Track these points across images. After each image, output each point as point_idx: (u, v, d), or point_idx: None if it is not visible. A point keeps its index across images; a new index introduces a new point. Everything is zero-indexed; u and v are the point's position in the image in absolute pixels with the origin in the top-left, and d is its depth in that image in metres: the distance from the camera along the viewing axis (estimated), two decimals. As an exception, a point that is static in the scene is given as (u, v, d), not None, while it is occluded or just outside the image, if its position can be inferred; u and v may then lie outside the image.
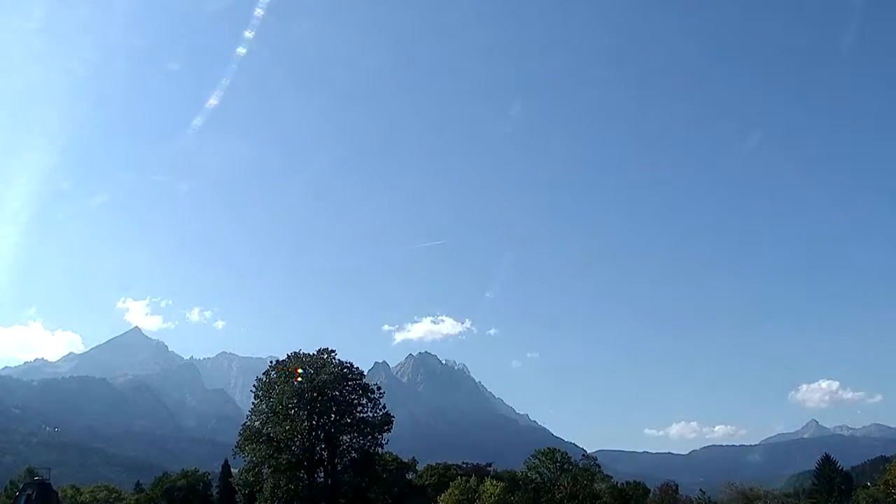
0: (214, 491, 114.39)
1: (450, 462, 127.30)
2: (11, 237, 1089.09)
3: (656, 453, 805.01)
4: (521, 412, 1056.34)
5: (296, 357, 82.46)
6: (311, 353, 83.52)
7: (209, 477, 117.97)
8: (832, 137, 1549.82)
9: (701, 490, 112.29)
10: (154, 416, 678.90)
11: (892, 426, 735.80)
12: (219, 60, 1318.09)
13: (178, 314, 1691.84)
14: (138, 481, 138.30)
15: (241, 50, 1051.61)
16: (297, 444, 78.30)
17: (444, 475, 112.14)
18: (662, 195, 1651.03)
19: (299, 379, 78.93)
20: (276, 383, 79.88)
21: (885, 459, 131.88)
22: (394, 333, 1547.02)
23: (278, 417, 78.01)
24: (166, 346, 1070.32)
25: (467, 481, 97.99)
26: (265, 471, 77.62)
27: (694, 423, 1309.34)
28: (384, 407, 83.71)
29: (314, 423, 79.82)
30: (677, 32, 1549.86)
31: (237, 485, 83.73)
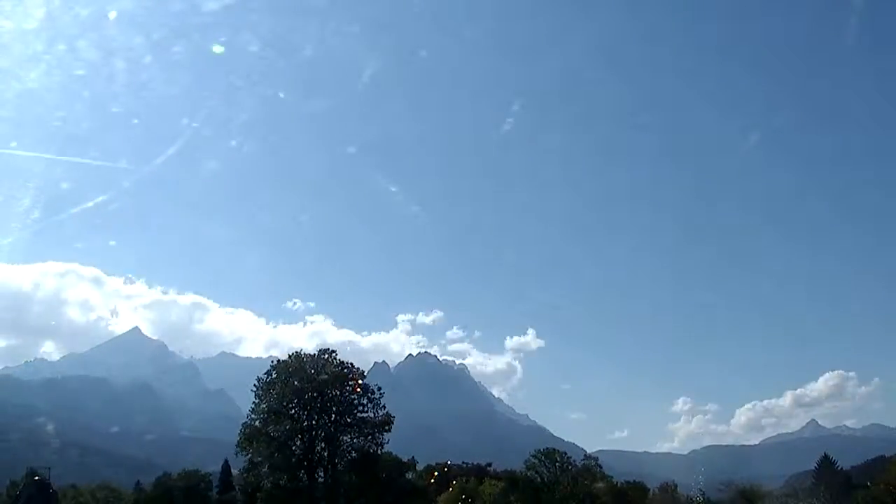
0: (214, 491, 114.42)
1: (450, 462, 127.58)
2: (10, 236, 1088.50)
3: (656, 453, 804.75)
4: (521, 412, 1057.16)
5: (297, 357, 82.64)
6: (312, 354, 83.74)
7: (209, 477, 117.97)
8: (832, 136, 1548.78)
9: (701, 490, 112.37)
10: (154, 416, 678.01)
11: (892, 426, 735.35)
12: (219, 60, 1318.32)
13: (178, 314, 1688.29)
14: (138, 481, 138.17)
15: (250, 57, 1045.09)
16: (297, 443, 78.52)
17: (443, 475, 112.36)
18: (663, 195, 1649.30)
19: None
20: (276, 383, 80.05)
21: (884, 459, 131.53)
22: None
23: (278, 417, 78.17)
24: (166, 346, 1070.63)
25: (467, 481, 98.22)
26: (265, 470, 77.79)
27: (693, 422, 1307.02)
28: (384, 407, 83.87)
29: (314, 422, 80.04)
30: (677, 31, 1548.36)
31: (238, 485, 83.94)
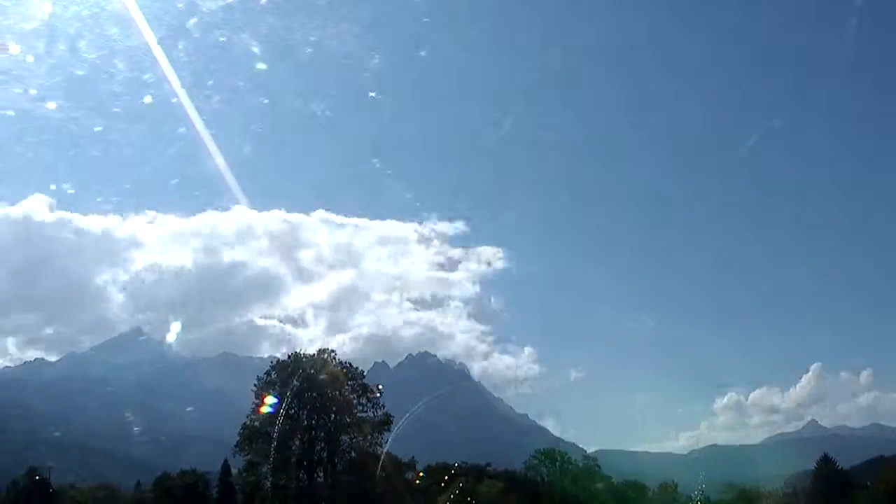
0: (214, 491, 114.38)
1: (449, 462, 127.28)
2: (12, 238, 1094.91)
3: (656, 453, 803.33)
4: (521, 412, 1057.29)
5: (296, 357, 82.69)
6: (312, 354, 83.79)
7: (208, 477, 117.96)
8: (832, 136, 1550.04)
9: (701, 490, 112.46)
10: (154, 416, 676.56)
11: (892, 426, 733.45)
12: (220, 59, 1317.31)
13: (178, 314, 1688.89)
14: (138, 481, 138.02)
15: (251, 57, 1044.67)
16: (297, 443, 78.49)
17: (443, 475, 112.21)
18: (662, 194, 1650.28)
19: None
20: (275, 383, 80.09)
21: (884, 459, 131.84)
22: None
23: (278, 417, 78.22)
24: (166, 346, 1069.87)
25: (466, 481, 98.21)
26: (264, 470, 77.84)
27: (693, 422, 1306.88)
28: (384, 407, 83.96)
29: (314, 422, 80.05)
30: (677, 30, 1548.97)
31: (237, 485, 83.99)
